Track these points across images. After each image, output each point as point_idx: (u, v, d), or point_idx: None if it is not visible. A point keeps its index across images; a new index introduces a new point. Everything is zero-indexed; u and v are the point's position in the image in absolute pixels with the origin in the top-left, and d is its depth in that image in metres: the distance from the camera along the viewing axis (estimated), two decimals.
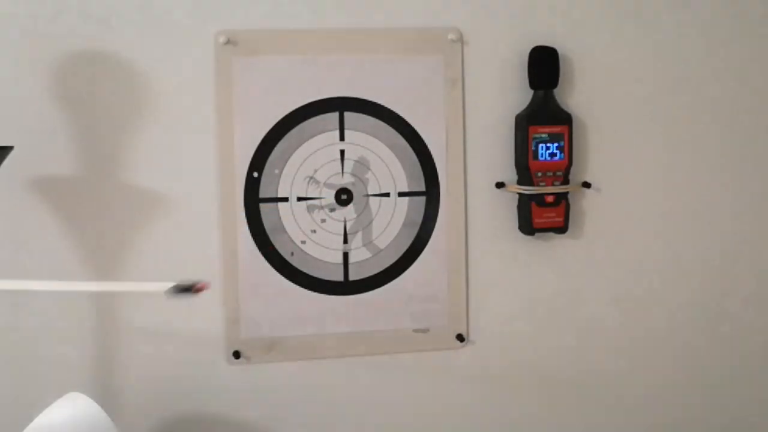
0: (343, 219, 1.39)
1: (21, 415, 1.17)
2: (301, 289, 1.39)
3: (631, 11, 1.45)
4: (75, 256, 1.33)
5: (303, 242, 1.38)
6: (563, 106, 1.41)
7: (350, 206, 1.39)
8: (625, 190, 1.46)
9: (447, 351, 1.43)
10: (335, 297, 1.40)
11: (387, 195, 1.40)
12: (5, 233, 1.31)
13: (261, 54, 1.35)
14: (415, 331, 1.42)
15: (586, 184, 1.44)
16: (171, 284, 1.04)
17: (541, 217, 1.40)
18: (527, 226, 1.41)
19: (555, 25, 1.42)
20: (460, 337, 1.43)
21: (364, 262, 1.40)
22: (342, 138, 1.38)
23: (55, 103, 1.31)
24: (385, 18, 1.38)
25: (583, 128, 1.44)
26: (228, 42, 1.34)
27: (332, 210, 1.39)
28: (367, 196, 1.39)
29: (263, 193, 1.37)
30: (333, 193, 1.39)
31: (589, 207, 1.45)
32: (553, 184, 1.39)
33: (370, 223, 1.40)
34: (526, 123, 1.39)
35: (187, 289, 1.05)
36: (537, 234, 1.42)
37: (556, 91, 1.40)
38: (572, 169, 1.41)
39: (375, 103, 1.38)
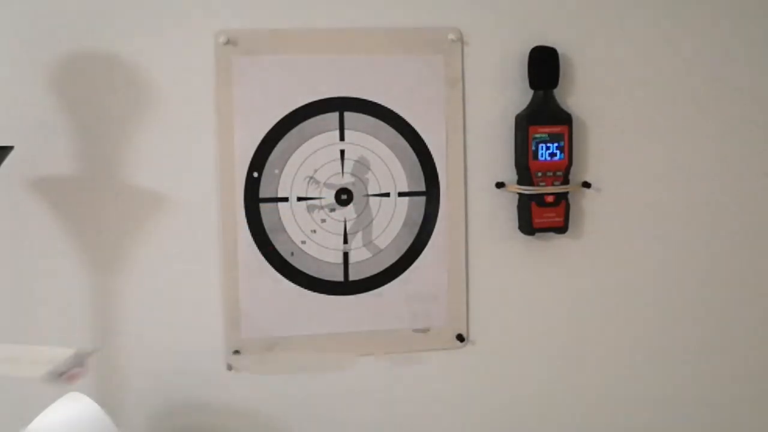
0: (343, 219, 1.38)
1: (21, 415, 1.16)
2: (301, 289, 1.38)
3: (632, 11, 1.43)
4: (74, 256, 1.32)
5: (303, 242, 1.37)
6: (563, 106, 1.40)
7: (350, 206, 1.38)
8: (625, 190, 1.45)
9: (447, 351, 1.42)
10: (335, 297, 1.39)
11: (387, 195, 1.39)
12: (4, 233, 1.30)
13: (261, 54, 1.34)
14: (415, 331, 1.41)
15: (586, 184, 1.43)
16: (47, 370, 1.01)
17: (541, 217, 1.39)
18: (527, 226, 1.39)
19: (555, 25, 1.40)
20: (460, 337, 1.42)
21: (364, 262, 1.39)
22: (342, 138, 1.37)
23: (54, 103, 1.30)
24: (385, 18, 1.37)
25: (583, 128, 1.43)
26: (228, 42, 1.32)
27: (332, 210, 1.38)
28: (367, 196, 1.38)
29: (263, 193, 1.36)
30: (333, 193, 1.37)
31: (589, 207, 1.44)
32: (553, 184, 1.38)
33: (370, 223, 1.39)
34: (526, 123, 1.38)
35: (62, 374, 1.04)
36: (537, 234, 1.41)
37: (556, 91, 1.39)
38: (572, 169, 1.40)
39: (375, 103, 1.37)
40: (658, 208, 1.47)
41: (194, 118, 1.33)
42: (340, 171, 1.37)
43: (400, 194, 1.39)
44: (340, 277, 1.39)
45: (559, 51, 1.38)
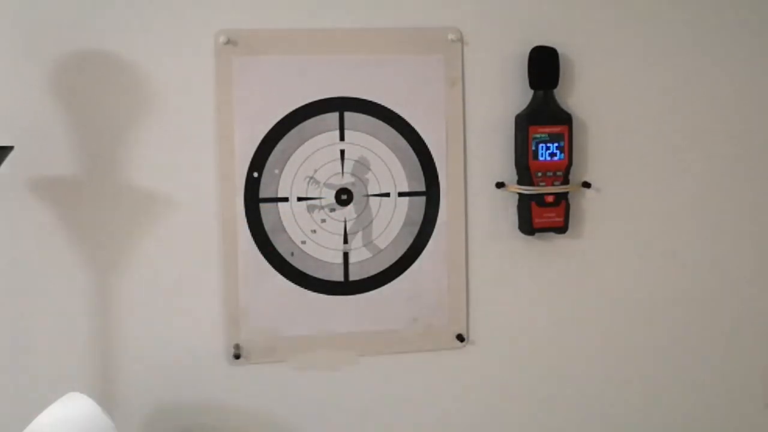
0: (343, 219, 1.37)
1: (21, 415, 1.16)
2: (301, 289, 1.37)
3: (632, 11, 1.43)
4: (75, 255, 1.31)
5: (303, 242, 1.36)
6: (563, 106, 1.39)
7: (350, 206, 1.37)
8: (625, 190, 1.45)
9: (447, 351, 1.42)
10: (335, 297, 1.38)
11: (387, 195, 1.38)
12: (5, 233, 1.29)
13: (261, 54, 1.33)
14: (416, 331, 1.40)
15: (586, 184, 1.42)
16: None
17: (541, 217, 1.38)
18: (527, 226, 1.39)
19: (555, 25, 1.40)
20: (460, 337, 1.41)
21: (364, 262, 1.38)
22: (342, 138, 1.36)
23: (55, 103, 1.29)
24: (385, 18, 1.36)
25: (583, 128, 1.42)
26: (228, 42, 1.32)
27: (332, 210, 1.37)
28: (367, 196, 1.37)
29: (263, 193, 1.35)
30: (333, 193, 1.37)
31: (589, 207, 1.44)
32: (553, 184, 1.38)
33: (370, 223, 1.38)
34: (526, 123, 1.37)
35: None
36: (537, 234, 1.40)
37: (556, 91, 1.39)
38: (572, 169, 1.40)
39: (375, 103, 1.36)
40: (659, 208, 1.46)
41: (194, 118, 1.33)
42: (340, 171, 1.36)
43: (400, 194, 1.38)
44: (340, 277, 1.38)
45: (559, 51, 1.38)
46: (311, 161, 1.35)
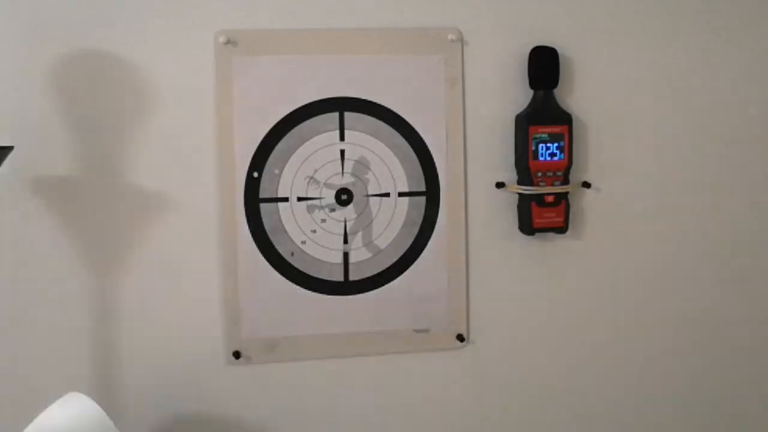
0: (343, 219, 1.36)
1: (21, 416, 1.15)
2: (301, 289, 1.36)
3: (632, 11, 1.42)
4: (75, 255, 1.30)
5: (303, 242, 1.35)
6: (563, 106, 1.38)
7: (350, 206, 1.36)
8: (625, 190, 1.44)
9: (447, 351, 1.41)
10: (335, 297, 1.37)
11: (387, 195, 1.37)
12: (5, 233, 1.29)
13: (261, 54, 1.32)
14: (415, 331, 1.39)
15: (586, 184, 1.41)
16: None
17: (541, 217, 1.37)
18: (527, 226, 1.38)
19: (555, 26, 1.39)
20: (460, 337, 1.40)
21: (364, 262, 1.37)
22: (342, 138, 1.35)
23: (55, 103, 1.28)
24: (385, 18, 1.35)
25: (583, 128, 1.41)
26: (228, 42, 1.31)
27: (332, 210, 1.36)
28: (368, 196, 1.37)
29: (263, 193, 1.34)
30: (333, 193, 1.36)
31: (589, 207, 1.43)
32: (553, 184, 1.37)
33: (371, 223, 1.37)
34: (526, 123, 1.36)
35: None
36: (537, 234, 1.39)
37: (556, 91, 1.38)
38: (572, 169, 1.39)
39: (375, 103, 1.35)
40: (658, 207, 1.46)
41: (194, 118, 1.32)
42: (340, 171, 1.36)
43: (400, 194, 1.37)
44: (340, 277, 1.37)
45: (559, 51, 1.38)
46: (311, 161, 1.35)
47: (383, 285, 1.38)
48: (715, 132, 1.46)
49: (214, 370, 1.35)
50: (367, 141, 1.36)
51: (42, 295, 1.30)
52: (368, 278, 1.38)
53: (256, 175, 1.33)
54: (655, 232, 1.46)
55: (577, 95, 1.41)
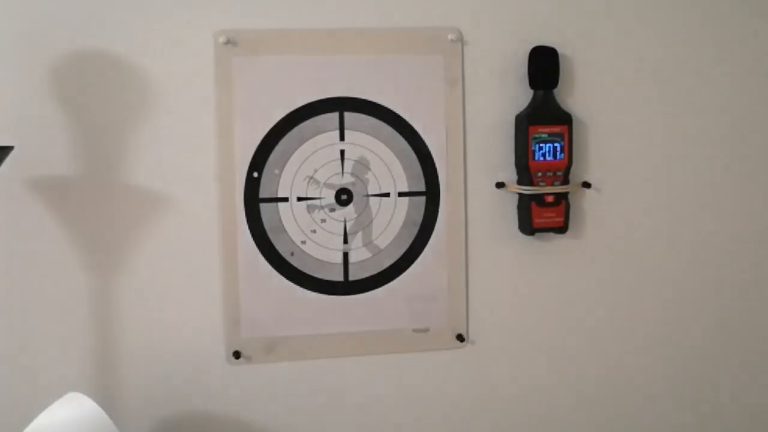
0: (343, 219, 1.35)
1: (21, 416, 1.16)
2: (301, 289, 1.35)
3: (631, 12, 1.42)
4: (75, 255, 1.30)
5: (303, 242, 1.34)
6: (563, 106, 1.38)
7: (350, 206, 1.36)
8: (624, 190, 1.43)
9: (447, 351, 1.40)
10: (335, 297, 1.36)
11: (387, 195, 1.36)
12: (5, 233, 1.28)
13: (261, 54, 1.31)
14: (415, 331, 1.38)
15: (586, 184, 1.41)
16: None
17: (541, 217, 1.37)
18: (527, 226, 1.37)
19: (555, 25, 1.39)
20: (460, 337, 1.40)
21: (364, 262, 1.36)
22: (342, 138, 1.34)
23: (55, 103, 1.28)
24: (384, 18, 1.35)
25: (583, 128, 1.41)
26: (228, 42, 1.30)
27: (332, 210, 1.35)
28: (367, 196, 1.36)
29: (263, 193, 1.33)
30: (333, 193, 1.35)
31: (589, 207, 1.43)
32: (553, 184, 1.36)
33: (370, 223, 1.36)
34: (526, 123, 1.35)
35: None
36: (537, 234, 1.39)
37: (556, 91, 1.37)
38: (572, 169, 1.38)
39: (375, 103, 1.35)
40: (658, 208, 1.45)
41: (194, 118, 1.32)
42: (340, 171, 1.35)
43: (400, 194, 1.37)
44: (340, 277, 1.36)
45: (559, 51, 1.37)
46: (311, 161, 1.34)
47: (383, 285, 1.37)
48: (715, 132, 1.46)
49: (214, 370, 1.35)
50: (367, 141, 1.35)
51: (41, 295, 1.30)
52: (368, 278, 1.37)
53: (256, 175, 1.33)
54: (655, 232, 1.45)
55: (577, 95, 1.40)
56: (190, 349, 1.34)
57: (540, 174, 1.36)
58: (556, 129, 1.36)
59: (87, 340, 1.31)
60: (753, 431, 1.53)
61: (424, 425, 1.42)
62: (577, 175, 1.40)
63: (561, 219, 1.38)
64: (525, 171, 1.36)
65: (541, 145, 1.35)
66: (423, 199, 1.37)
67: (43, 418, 1.16)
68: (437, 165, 1.37)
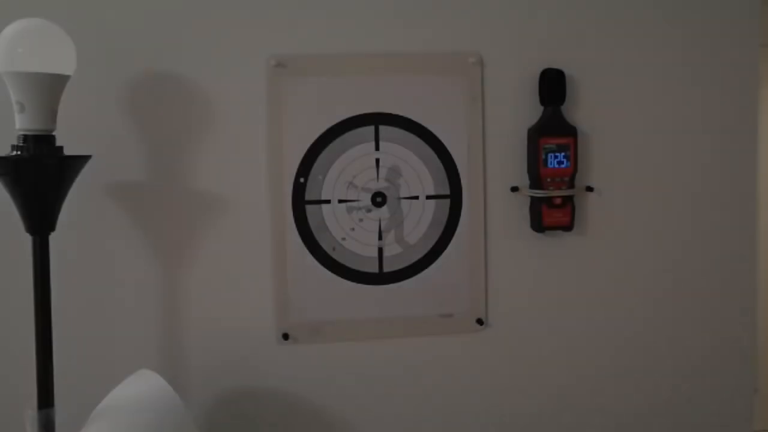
0: (378, 219, 1.37)
1: (98, 390, 1.18)
2: (342, 279, 1.37)
3: (630, 37, 1.43)
4: (146, 250, 1.32)
5: (343, 239, 1.37)
6: (569, 121, 1.39)
7: (384, 207, 1.38)
8: (623, 194, 1.45)
9: (468, 333, 1.42)
10: (371, 286, 1.38)
11: (416, 198, 1.38)
12: (85, 232, 1.30)
13: (307, 75, 1.34)
14: (441, 316, 1.40)
15: (590, 189, 1.42)
16: None
17: (550, 217, 1.38)
18: (538, 224, 1.39)
19: (562, 50, 1.41)
20: (480, 321, 1.41)
21: (396, 256, 1.38)
22: (377, 148, 1.36)
23: (128, 117, 1.30)
24: (415, 44, 1.37)
25: (587, 139, 1.42)
26: (278, 65, 1.33)
27: (369, 211, 1.37)
28: (399, 198, 1.38)
29: (308, 196, 1.35)
30: (369, 196, 1.37)
31: (592, 208, 1.44)
32: (560, 189, 1.38)
33: (402, 222, 1.38)
34: (537, 135, 1.37)
35: None
36: (547, 232, 1.41)
37: (564, 107, 1.39)
38: (577, 176, 1.40)
39: (406, 117, 1.37)
40: (653, 209, 1.46)
41: (249, 132, 1.34)
42: (376, 177, 1.37)
43: (428, 197, 1.38)
44: (375, 269, 1.38)
45: (566, 72, 1.38)
46: (350, 168, 1.36)
47: (413, 276, 1.39)
48: (703, 141, 1.47)
49: (266, 350, 1.36)
50: (399, 151, 1.37)
51: (118, 286, 1.32)
52: (400, 270, 1.39)
53: (302, 180, 1.35)
54: (649, 231, 1.46)
55: (581, 111, 1.42)
56: (245, 332, 1.36)
57: (549, 179, 1.37)
58: (564, 140, 1.37)
59: (156, 325, 1.33)
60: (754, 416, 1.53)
61: (448, 397, 1.43)
62: (581, 180, 1.41)
63: (567, 219, 1.39)
64: (536, 177, 1.37)
65: (550, 154, 1.37)
66: (448, 201, 1.39)
67: (118, 392, 1.18)
68: (460, 171, 1.38)
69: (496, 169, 1.40)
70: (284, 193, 1.34)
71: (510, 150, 1.40)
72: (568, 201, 1.39)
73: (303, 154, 1.34)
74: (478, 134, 1.39)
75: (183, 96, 1.31)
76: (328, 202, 1.36)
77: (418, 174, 1.38)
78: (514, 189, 1.40)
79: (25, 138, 1.11)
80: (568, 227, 1.40)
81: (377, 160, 1.37)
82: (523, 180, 1.41)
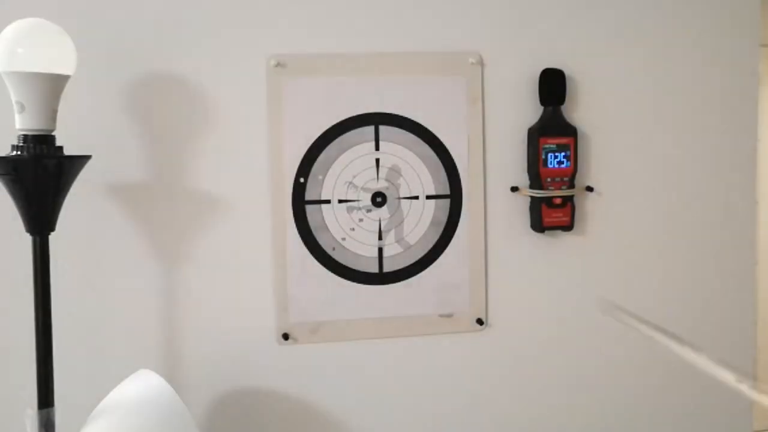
0: (378, 218, 1.37)
1: (97, 389, 1.18)
2: (342, 279, 1.37)
3: (632, 38, 1.44)
4: (146, 250, 1.32)
5: (343, 239, 1.37)
6: (569, 121, 1.40)
7: (384, 207, 1.37)
8: (622, 194, 1.45)
9: (468, 333, 1.42)
10: (371, 286, 1.38)
11: (416, 198, 1.38)
12: (85, 231, 1.30)
13: (307, 75, 1.34)
14: (441, 316, 1.40)
15: (589, 188, 1.42)
16: None
17: (550, 216, 1.39)
18: (538, 224, 1.39)
19: (562, 50, 1.41)
20: (480, 321, 1.41)
21: (396, 256, 1.38)
22: (377, 148, 1.36)
23: (128, 117, 1.30)
24: (415, 44, 1.37)
25: (587, 140, 1.42)
26: (278, 65, 1.32)
27: (368, 211, 1.37)
28: (399, 198, 1.38)
29: (308, 196, 1.35)
30: (369, 196, 1.37)
31: (591, 208, 1.44)
32: (560, 188, 1.38)
33: (402, 222, 1.38)
34: (537, 135, 1.37)
35: None
36: (546, 231, 1.41)
37: (563, 108, 1.39)
38: (577, 175, 1.40)
39: (406, 117, 1.37)
40: (651, 209, 1.47)
41: (249, 131, 1.34)
42: (376, 177, 1.37)
43: (428, 197, 1.38)
44: (375, 269, 1.38)
45: (566, 72, 1.39)
46: (350, 168, 1.36)
47: (413, 276, 1.39)
48: (705, 142, 1.47)
49: (266, 350, 1.36)
50: (399, 151, 1.37)
51: (116, 284, 1.31)
52: (400, 270, 1.38)
53: (302, 180, 1.34)
54: (647, 230, 1.47)
55: (581, 111, 1.42)
56: (245, 331, 1.36)
57: (549, 179, 1.37)
58: (563, 140, 1.37)
59: (156, 324, 1.33)
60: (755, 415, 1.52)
61: (448, 397, 1.43)
62: (581, 180, 1.42)
63: (567, 218, 1.39)
64: (536, 177, 1.38)
65: (550, 154, 1.37)
66: (448, 201, 1.39)
67: (117, 392, 1.17)
68: (460, 171, 1.38)
69: (496, 169, 1.40)
70: (284, 193, 1.34)
71: (510, 150, 1.40)
72: (568, 201, 1.39)
73: (303, 154, 1.34)
74: (478, 134, 1.39)
75: (183, 96, 1.31)
76: (328, 202, 1.36)
77: (418, 174, 1.38)
78: (514, 189, 1.40)
79: (25, 138, 1.10)
80: (568, 227, 1.40)
81: (377, 160, 1.37)
82: (523, 180, 1.41)
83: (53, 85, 1.12)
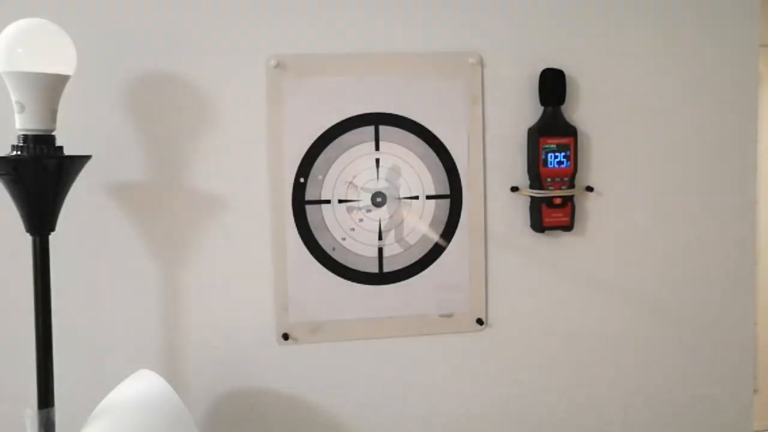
0: (378, 218, 1.37)
1: (98, 390, 1.18)
2: (342, 279, 1.37)
3: (632, 38, 1.43)
4: (145, 249, 1.32)
5: (343, 239, 1.37)
6: (569, 121, 1.40)
7: (384, 207, 1.37)
8: (623, 194, 1.45)
9: (468, 333, 1.42)
10: (371, 286, 1.38)
11: (416, 198, 1.38)
12: (84, 231, 1.30)
13: (307, 75, 1.34)
14: (441, 316, 1.40)
15: (589, 188, 1.42)
16: None
17: (550, 216, 1.38)
18: (538, 224, 1.39)
19: (562, 50, 1.41)
20: (480, 321, 1.41)
21: (396, 256, 1.38)
22: (377, 148, 1.36)
23: (127, 117, 1.30)
24: (414, 44, 1.37)
25: (587, 140, 1.42)
26: (278, 65, 1.32)
27: (369, 211, 1.37)
28: (399, 198, 1.38)
29: (308, 196, 1.35)
30: (369, 196, 1.37)
31: (591, 208, 1.44)
32: (560, 189, 1.38)
33: (402, 222, 1.38)
34: (537, 135, 1.37)
35: None
36: (546, 232, 1.41)
37: (563, 108, 1.39)
38: (577, 175, 1.40)
39: (406, 117, 1.37)
40: (651, 208, 1.47)
41: (249, 132, 1.33)
42: (376, 177, 1.37)
43: (428, 197, 1.38)
44: (375, 269, 1.38)
45: (566, 72, 1.39)
46: (350, 168, 1.36)
47: (413, 276, 1.39)
48: (705, 142, 1.47)
49: (266, 350, 1.36)
50: (399, 151, 1.37)
51: (117, 286, 1.31)
52: (400, 270, 1.38)
53: (302, 180, 1.34)
54: (649, 231, 1.47)
55: (581, 111, 1.42)
56: (245, 331, 1.35)
57: (549, 179, 1.37)
58: (563, 140, 1.37)
59: (156, 324, 1.33)
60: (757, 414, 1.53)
61: (448, 398, 1.43)
62: (581, 180, 1.42)
63: (567, 218, 1.39)
64: (536, 177, 1.37)
65: (550, 154, 1.37)
66: (448, 201, 1.38)
67: (117, 393, 1.18)
68: (460, 172, 1.38)
69: (496, 169, 1.40)
70: (284, 193, 1.34)
71: (510, 150, 1.40)
72: (568, 201, 1.39)
73: (303, 154, 1.34)
74: (479, 135, 1.39)
75: (183, 96, 1.31)
76: (328, 202, 1.36)
77: (418, 174, 1.38)
78: (514, 189, 1.40)
79: (25, 138, 1.10)
80: (568, 227, 1.40)
81: (377, 160, 1.37)
82: (523, 180, 1.41)
83: (53, 85, 1.12)
